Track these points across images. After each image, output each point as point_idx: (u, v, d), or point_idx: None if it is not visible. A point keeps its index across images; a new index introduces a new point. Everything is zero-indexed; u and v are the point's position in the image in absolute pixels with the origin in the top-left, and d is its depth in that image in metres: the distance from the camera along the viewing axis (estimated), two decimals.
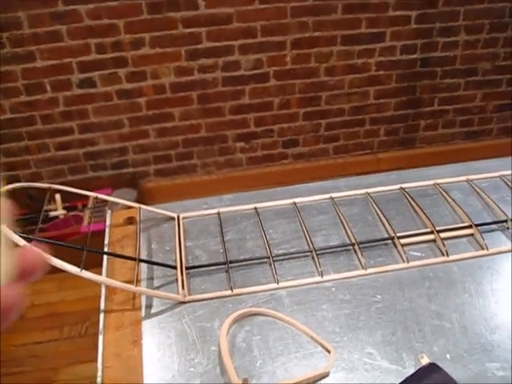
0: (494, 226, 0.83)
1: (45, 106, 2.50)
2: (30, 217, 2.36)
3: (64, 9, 2.28)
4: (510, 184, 0.91)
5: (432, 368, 0.62)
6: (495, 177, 0.94)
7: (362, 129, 2.90)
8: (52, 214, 2.44)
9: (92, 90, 2.49)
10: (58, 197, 2.41)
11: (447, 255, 0.78)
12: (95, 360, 0.69)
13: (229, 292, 0.74)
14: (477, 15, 2.65)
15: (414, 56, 2.73)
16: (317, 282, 0.76)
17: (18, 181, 2.62)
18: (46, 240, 0.73)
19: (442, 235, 0.80)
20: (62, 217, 2.45)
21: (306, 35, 2.53)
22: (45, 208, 2.40)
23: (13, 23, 2.27)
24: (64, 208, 2.45)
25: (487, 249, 0.79)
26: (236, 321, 0.70)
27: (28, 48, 2.34)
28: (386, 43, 2.66)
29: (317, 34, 2.55)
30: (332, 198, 0.90)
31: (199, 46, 2.47)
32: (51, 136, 2.58)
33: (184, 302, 0.74)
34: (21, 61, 2.36)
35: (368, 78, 2.75)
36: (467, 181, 0.93)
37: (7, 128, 2.51)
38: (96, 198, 0.92)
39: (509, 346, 0.65)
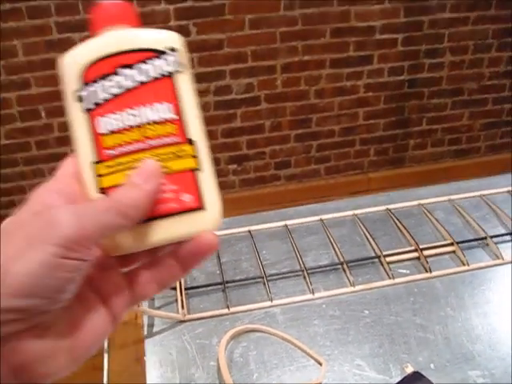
0: (474, 243, 0.87)
1: (40, 132, 2.52)
2: None
3: (58, 37, 2.32)
4: (489, 203, 0.96)
5: (416, 376, 0.66)
6: (476, 196, 0.99)
7: (352, 149, 2.93)
8: None
9: None
10: None
11: (430, 271, 0.82)
12: (99, 380, 0.72)
13: (226, 310, 0.77)
14: (461, 37, 2.71)
15: (402, 77, 2.78)
16: (308, 300, 0.79)
17: (14, 205, 2.65)
18: None
19: (426, 253, 0.84)
20: None
21: (296, 59, 2.58)
22: None
23: (8, 51, 2.31)
24: None
25: (468, 265, 0.82)
26: (233, 337, 0.73)
27: (23, 75, 2.38)
28: (374, 66, 2.71)
29: (306, 57, 2.59)
30: (321, 220, 0.94)
31: (191, 71, 2.51)
32: (46, 161, 2.60)
33: (184, 321, 0.77)
34: (16, 88, 2.39)
35: (357, 100, 2.79)
36: (449, 201, 0.97)
37: (3, 154, 2.53)
38: None
39: (489, 355, 0.69)
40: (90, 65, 0.41)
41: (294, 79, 2.63)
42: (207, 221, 0.42)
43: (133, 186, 0.38)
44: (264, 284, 0.82)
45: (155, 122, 0.41)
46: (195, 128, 0.42)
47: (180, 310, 0.77)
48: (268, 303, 0.78)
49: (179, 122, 0.41)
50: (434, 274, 0.82)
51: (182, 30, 2.39)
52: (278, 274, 0.84)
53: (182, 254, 0.41)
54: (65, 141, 2.55)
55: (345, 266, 0.84)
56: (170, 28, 2.26)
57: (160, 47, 0.42)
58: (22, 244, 0.33)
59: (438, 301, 0.78)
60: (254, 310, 0.78)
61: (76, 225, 0.34)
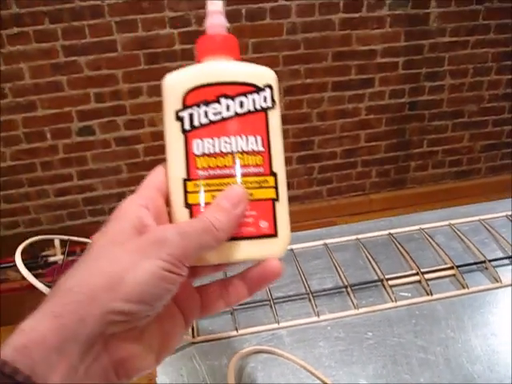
0: (473, 267, 0.89)
1: (45, 153, 2.55)
2: (29, 262, 2.39)
3: (65, 60, 2.36)
4: (488, 227, 0.98)
5: None
6: (475, 221, 1.01)
7: (354, 171, 2.96)
8: (51, 259, 2.44)
9: (91, 138, 2.55)
10: (56, 242, 2.43)
11: (431, 294, 0.83)
12: None
13: (234, 332, 0.78)
14: (461, 60, 2.75)
15: (403, 100, 2.81)
16: (314, 322, 0.81)
17: (18, 226, 2.67)
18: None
19: (427, 276, 0.86)
20: (60, 262, 2.44)
21: (298, 82, 2.62)
22: (43, 253, 2.44)
23: (15, 74, 2.34)
24: (63, 253, 2.46)
25: (468, 288, 0.84)
26: (242, 358, 0.74)
27: (29, 98, 2.41)
28: (375, 88, 2.74)
29: (308, 80, 2.63)
30: (326, 244, 0.96)
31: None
32: (51, 182, 2.63)
33: (194, 343, 0.78)
34: (22, 110, 2.43)
35: (359, 122, 2.82)
36: (449, 225, 1.00)
37: (8, 175, 2.56)
38: None
39: (488, 376, 0.71)
40: (193, 89, 0.45)
41: (297, 102, 2.66)
42: (277, 247, 0.47)
43: (223, 210, 0.43)
44: (271, 307, 0.84)
45: (245, 152, 0.45)
46: (279, 161, 0.47)
47: (190, 331, 0.79)
48: (275, 325, 0.80)
49: (266, 155, 0.46)
50: (435, 296, 0.83)
51: (186, 54, 2.42)
52: (284, 297, 0.86)
53: (249, 277, 0.47)
54: (69, 162, 2.59)
55: (349, 289, 0.85)
56: (174, 52, 2.31)
57: (259, 83, 0.46)
58: (136, 257, 0.39)
59: (438, 323, 0.79)
60: (262, 331, 0.79)
61: (181, 244, 0.40)
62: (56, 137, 2.53)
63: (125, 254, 0.39)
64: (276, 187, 0.46)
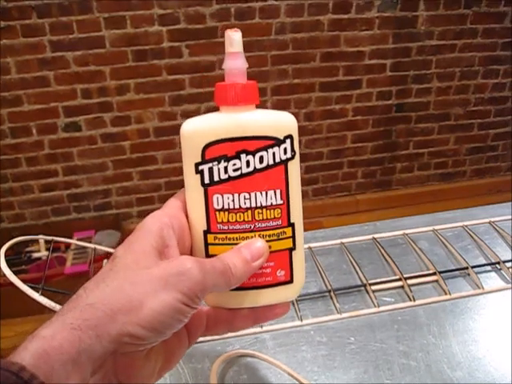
0: (456, 273, 0.89)
1: (30, 148, 2.54)
2: (12, 258, 2.38)
3: (52, 55, 2.36)
4: (471, 233, 0.99)
5: None
6: (459, 227, 1.01)
7: (340, 171, 2.97)
8: (35, 255, 2.44)
9: (77, 134, 2.55)
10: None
11: (414, 300, 0.84)
12: None
13: (217, 335, 0.79)
14: (448, 64, 2.77)
15: (390, 102, 2.83)
16: (297, 326, 0.81)
17: (1, 221, 2.65)
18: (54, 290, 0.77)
19: (410, 282, 0.86)
20: (44, 258, 2.44)
21: (286, 82, 2.62)
22: (27, 249, 2.43)
23: (1, 68, 2.33)
24: (47, 249, 2.46)
25: (450, 294, 0.85)
26: (225, 361, 0.74)
27: (15, 92, 2.40)
28: (363, 90, 2.75)
29: (296, 80, 2.64)
30: (310, 248, 0.96)
31: (182, 92, 2.54)
32: (36, 178, 2.62)
33: None
34: (8, 104, 2.42)
35: (345, 123, 2.83)
36: (433, 231, 1.00)
37: None
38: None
39: (468, 381, 0.71)
40: (212, 143, 0.45)
41: (284, 102, 2.67)
42: (292, 292, 0.49)
43: (242, 259, 0.45)
44: None
45: (264, 207, 0.46)
46: (297, 211, 0.48)
47: None
48: (258, 329, 0.79)
49: (285, 207, 0.47)
50: (418, 302, 0.84)
51: (174, 52, 2.42)
52: None
53: (259, 310, 0.49)
54: (55, 158, 2.58)
55: (332, 293, 0.85)
56: (162, 49, 2.30)
57: (280, 135, 0.45)
58: (157, 285, 0.40)
59: (420, 328, 0.80)
60: (245, 335, 0.79)
61: (202, 281, 0.41)
62: (42, 132, 2.52)
63: (147, 280, 0.40)
64: (293, 236, 0.47)
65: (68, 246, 2.44)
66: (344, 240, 0.98)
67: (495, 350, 0.75)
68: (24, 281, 0.75)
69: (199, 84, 2.52)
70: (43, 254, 2.45)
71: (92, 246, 0.91)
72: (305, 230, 0.49)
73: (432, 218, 1.04)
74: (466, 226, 1.00)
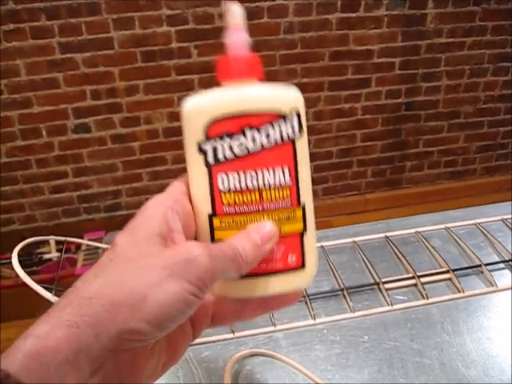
0: (469, 271, 0.89)
1: (40, 150, 2.55)
2: (24, 259, 2.38)
3: (61, 57, 2.36)
4: (484, 231, 0.98)
5: None
6: (471, 224, 1.01)
7: (349, 170, 2.96)
8: (45, 256, 2.44)
9: (87, 135, 2.55)
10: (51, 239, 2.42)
11: (427, 298, 0.83)
12: None
13: (231, 335, 0.78)
14: (457, 61, 2.75)
15: (399, 100, 2.82)
16: (310, 325, 0.80)
17: (13, 223, 2.66)
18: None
19: (423, 280, 0.86)
20: (55, 259, 2.44)
21: (295, 81, 2.61)
22: (38, 251, 2.44)
23: (11, 70, 2.34)
24: (58, 250, 2.47)
25: (463, 292, 0.84)
26: (238, 361, 0.74)
27: (25, 94, 2.40)
28: (372, 88, 2.74)
29: (305, 80, 2.63)
30: (322, 247, 0.96)
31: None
32: (46, 179, 2.62)
33: (190, 345, 0.77)
34: (18, 107, 2.42)
35: (355, 122, 2.82)
36: (445, 229, 0.99)
37: (3, 172, 2.55)
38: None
39: (483, 380, 0.71)
40: (216, 119, 0.42)
41: None
42: (304, 279, 0.46)
43: (252, 242, 0.41)
44: None
45: (273, 187, 0.43)
46: (307, 191, 0.45)
47: None
48: (271, 328, 0.79)
49: (294, 187, 0.44)
50: (431, 300, 0.83)
51: (183, 52, 2.42)
52: None
53: (268, 298, 0.46)
54: (65, 159, 2.58)
55: (345, 292, 0.85)
56: (171, 50, 2.30)
57: (286, 110, 0.42)
58: (163, 274, 0.37)
59: (434, 327, 0.79)
60: (258, 334, 0.78)
61: (211, 268, 0.38)
62: (51, 134, 2.52)
63: (150, 270, 0.37)
64: (304, 218, 0.45)
65: (78, 247, 2.44)
66: (356, 238, 0.98)
67: (510, 348, 0.75)
68: (36, 282, 0.75)
69: (208, 84, 2.47)
70: (54, 255, 2.45)
71: (104, 245, 0.91)
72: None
73: (443, 216, 1.04)
74: (479, 223, 1.00)
